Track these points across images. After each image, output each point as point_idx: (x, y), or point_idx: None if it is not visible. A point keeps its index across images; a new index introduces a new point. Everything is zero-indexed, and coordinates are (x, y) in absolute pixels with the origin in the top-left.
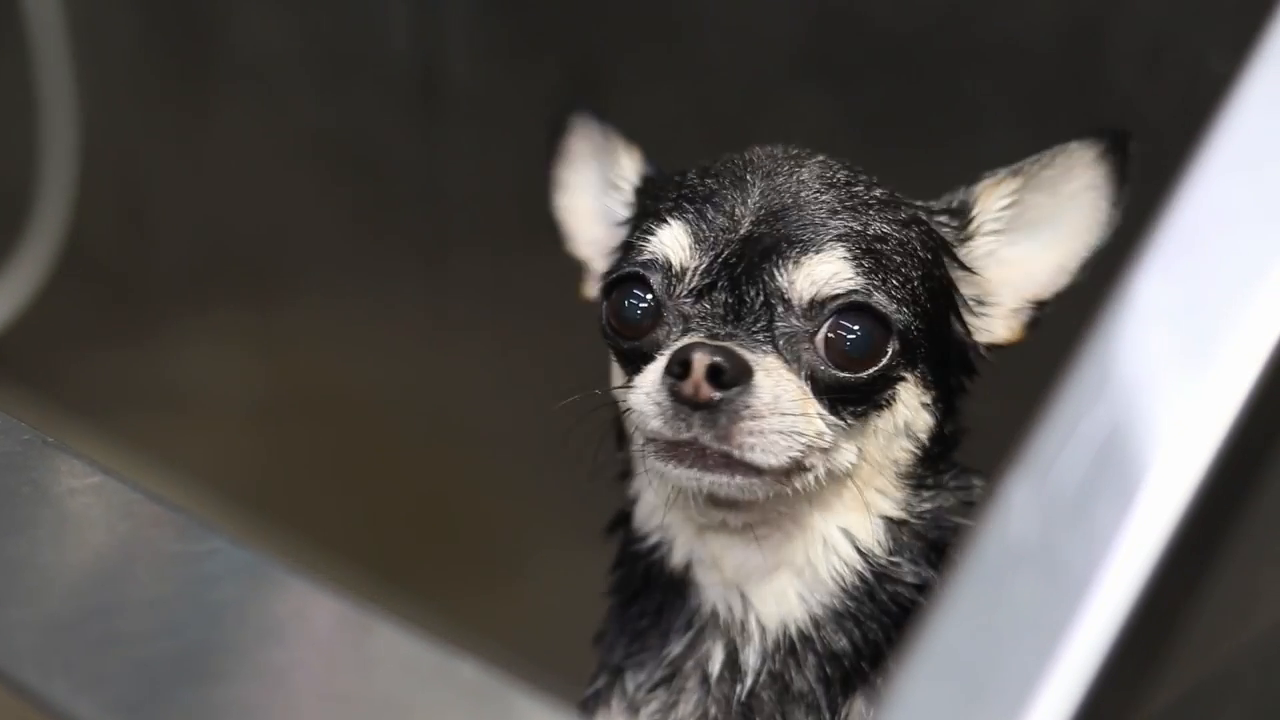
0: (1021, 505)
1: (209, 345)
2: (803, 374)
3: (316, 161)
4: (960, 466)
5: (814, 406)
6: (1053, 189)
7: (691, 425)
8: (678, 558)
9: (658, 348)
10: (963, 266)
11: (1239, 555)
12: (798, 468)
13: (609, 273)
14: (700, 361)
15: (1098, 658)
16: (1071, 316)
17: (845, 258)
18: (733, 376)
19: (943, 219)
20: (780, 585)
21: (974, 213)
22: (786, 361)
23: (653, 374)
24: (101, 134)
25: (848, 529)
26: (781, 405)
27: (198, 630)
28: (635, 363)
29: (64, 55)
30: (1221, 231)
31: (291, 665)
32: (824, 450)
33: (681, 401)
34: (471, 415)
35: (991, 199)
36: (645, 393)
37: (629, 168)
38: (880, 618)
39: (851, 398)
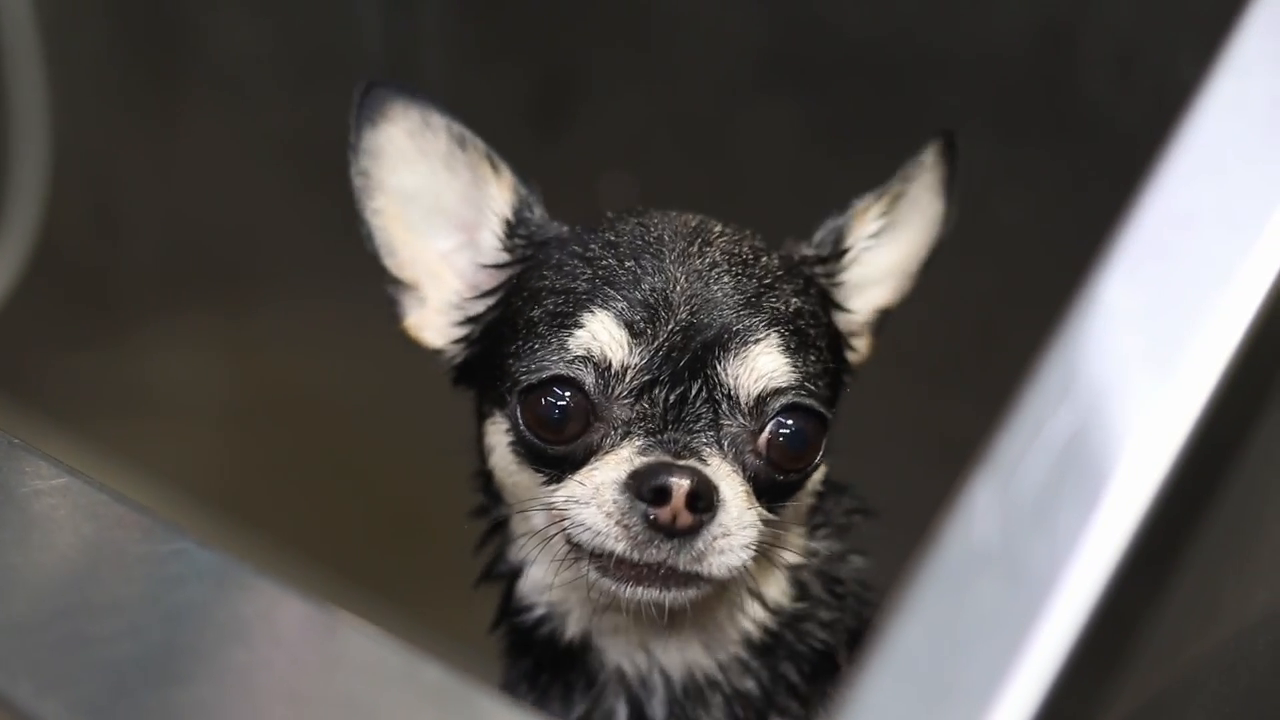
0: (984, 508)
1: (179, 348)
2: (746, 476)
3: (288, 164)
4: (832, 485)
5: (756, 508)
6: (913, 201)
7: (663, 549)
8: (573, 630)
9: (591, 453)
10: (842, 309)
11: (1201, 561)
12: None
13: (528, 372)
14: (679, 489)
15: (1059, 661)
16: (1036, 320)
17: (780, 347)
18: (708, 502)
19: (819, 268)
20: (686, 642)
21: (846, 245)
22: (732, 465)
23: (605, 494)
24: (73, 136)
25: (756, 590)
26: (742, 517)
27: (163, 631)
28: (558, 466)
29: (35, 57)
30: (1185, 236)
31: (256, 666)
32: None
33: (656, 529)
34: (440, 420)
35: (864, 225)
36: (603, 512)
37: (499, 193)
38: (791, 658)
39: (787, 494)
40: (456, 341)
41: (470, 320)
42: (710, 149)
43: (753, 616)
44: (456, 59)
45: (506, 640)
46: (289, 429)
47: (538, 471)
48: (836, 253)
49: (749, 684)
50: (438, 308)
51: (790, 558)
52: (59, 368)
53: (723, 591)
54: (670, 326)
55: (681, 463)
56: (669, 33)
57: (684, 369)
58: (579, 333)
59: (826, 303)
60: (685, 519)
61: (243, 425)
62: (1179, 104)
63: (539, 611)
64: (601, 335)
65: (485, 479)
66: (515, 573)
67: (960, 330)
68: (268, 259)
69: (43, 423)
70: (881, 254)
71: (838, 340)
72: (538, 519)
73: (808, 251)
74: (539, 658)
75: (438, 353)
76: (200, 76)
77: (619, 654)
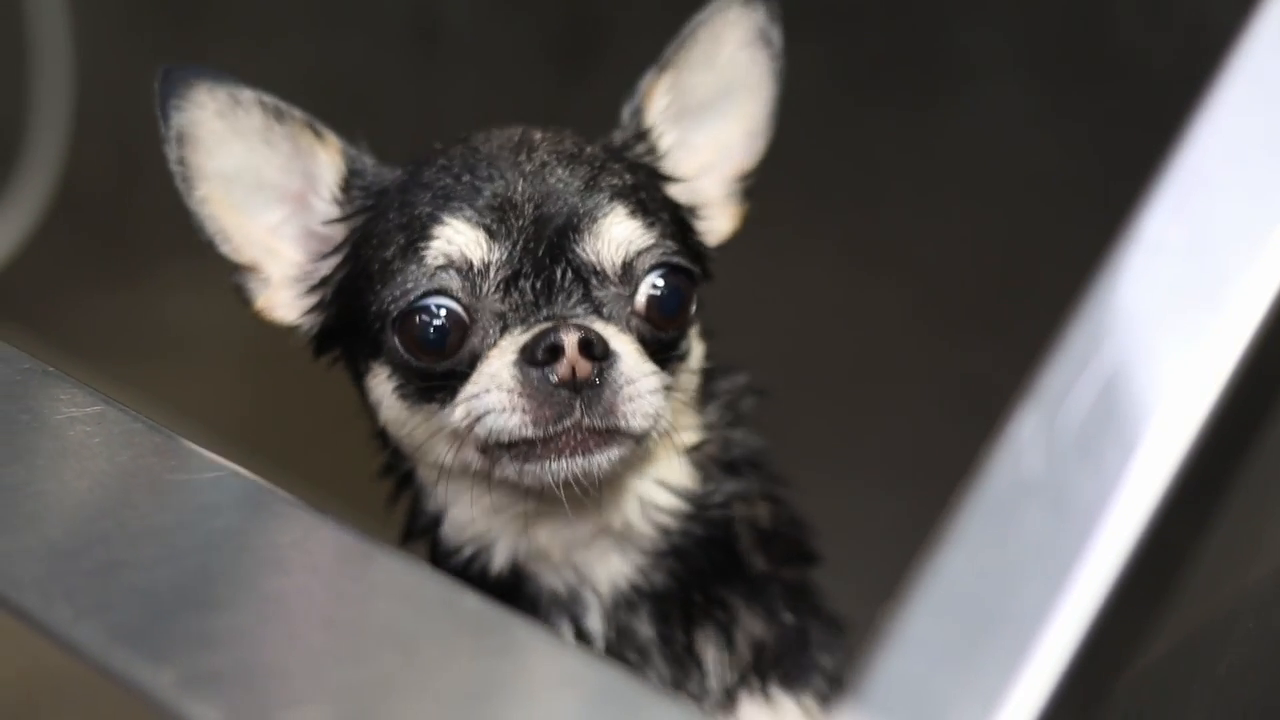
0: (1030, 440)
1: (201, 288)
2: (634, 338)
3: (311, 104)
4: (717, 364)
5: (651, 366)
6: (709, 63)
7: (574, 409)
8: (501, 561)
9: (477, 358)
10: (672, 180)
11: (1245, 496)
12: (653, 428)
13: (395, 301)
14: (570, 340)
15: (1105, 593)
16: (1064, 263)
17: (628, 214)
18: (602, 347)
19: (638, 147)
20: (604, 548)
21: (647, 124)
22: (618, 327)
23: (501, 376)
24: (95, 76)
25: (661, 479)
26: (641, 367)
27: (200, 558)
28: (448, 384)
29: None
30: (1230, 171)
31: (294, 593)
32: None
33: (561, 387)
34: None
35: (654, 102)
36: (504, 390)
37: (326, 157)
38: (701, 544)
39: (668, 354)
40: (309, 312)
41: (320, 285)
42: None
43: (663, 505)
44: (482, 2)
45: None
46: (311, 368)
47: (431, 401)
48: (640, 132)
49: (667, 580)
50: (281, 283)
51: (688, 436)
52: (81, 306)
53: (637, 465)
54: (520, 222)
55: (569, 321)
56: None
57: (544, 256)
58: (434, 244)
59: (655, 177)
60: (584, 367)
61: (264, 364)
62: (1213, 43)
63: (467, 552)
64: (456, 239)
65: (382, 437)
66: (436, 522)
67: (985, 275)
68: None
69: (63, 361)
70: (717, 123)
71: (680, 211)
72: (446, 453)
73: (618, 136)
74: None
75: (294, 329)
76: (224, 15)
77: (550, 577)
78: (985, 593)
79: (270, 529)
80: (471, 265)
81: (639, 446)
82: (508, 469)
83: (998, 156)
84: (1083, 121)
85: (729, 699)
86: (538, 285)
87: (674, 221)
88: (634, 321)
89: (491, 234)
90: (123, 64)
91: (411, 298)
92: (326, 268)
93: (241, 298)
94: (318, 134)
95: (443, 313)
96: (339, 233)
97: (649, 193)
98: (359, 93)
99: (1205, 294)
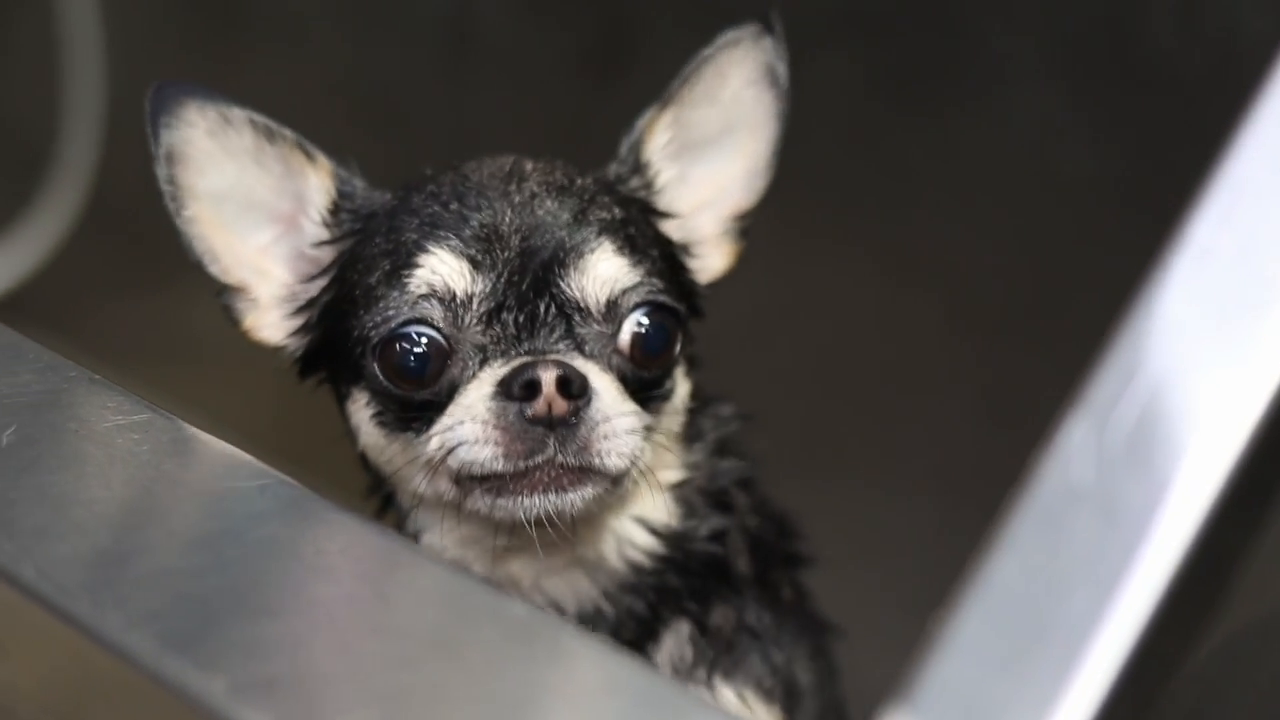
0: (1080, 447)
1: None
2: (613, 376)
3: (345, 112)
4: (703, 399)
5: (631, 404)
6: (712, 99)
7: (547, 446)
8: None
9: (455, 389)
10: (665, 216)
11: None
12: (630, 468)
13: (376, 327)
14: (548, 377)
15: (1156, 598)
16: (1102, 272)
17: (615, 250)
18: (580, 385)
19: (631, 182)
20: (575, 578)
21: (645, 159)
22: (598, 365)
23: (477, 408)
24: (127, 83)
25: (640, 516)
26: (619, 406)
27: (250, 566)
28: (425, 413)
29: (90, 3)
30: (1278, 179)
31: (343, 600)
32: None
33: (535, 423)
34: None
35: (654, 138)
36: (479, 422)
37: (316, 178)
38: (678, 572)
39: (651, 393)
40: (295, 333)
41: (306, 307)
42: None
43: (639, 544)
44: (514, 7)
45: None
46: None
47: (408, 430)
48: (637, 167)
49: (639, 604)
50: (269, 304)
51: (671, 475)
52: (112, 313)
53: (614, 503)
54: (506, 254)
55: (549, 358)
56: None
57: (528, 290)
58: (417, 272)
59: (648, 212)
60: (560, 405)
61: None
62: (1246, 51)
63: None
64: (440, 268)
65: (364, 460)
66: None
67: (1017, 283)
68: None
69: (95, 367)
70: (717, 160)
71: (671, 248)
72: (421, 481)
73: (614, 169)
74: None
75: (279, 349)
76: (257, 23)
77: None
78: (1036, 599)
79: (318, 536)
80: (454, 296)
81: (615, 487)
82: (479, 502)
83: (1031, 164)
84: (1115, 128)
85: None
86: (520, 319)
87: (664, 258)
88: (615, 360)
89: (476, 265)
90: (154, 72)
91: (393, 325)
92: (314, 290)
93: (229, 317)
94: (308, 155)
95: (424, 341)
96: (327, 255)
97: (639, 228)
98: (391, 99)
99: (1254, 301)
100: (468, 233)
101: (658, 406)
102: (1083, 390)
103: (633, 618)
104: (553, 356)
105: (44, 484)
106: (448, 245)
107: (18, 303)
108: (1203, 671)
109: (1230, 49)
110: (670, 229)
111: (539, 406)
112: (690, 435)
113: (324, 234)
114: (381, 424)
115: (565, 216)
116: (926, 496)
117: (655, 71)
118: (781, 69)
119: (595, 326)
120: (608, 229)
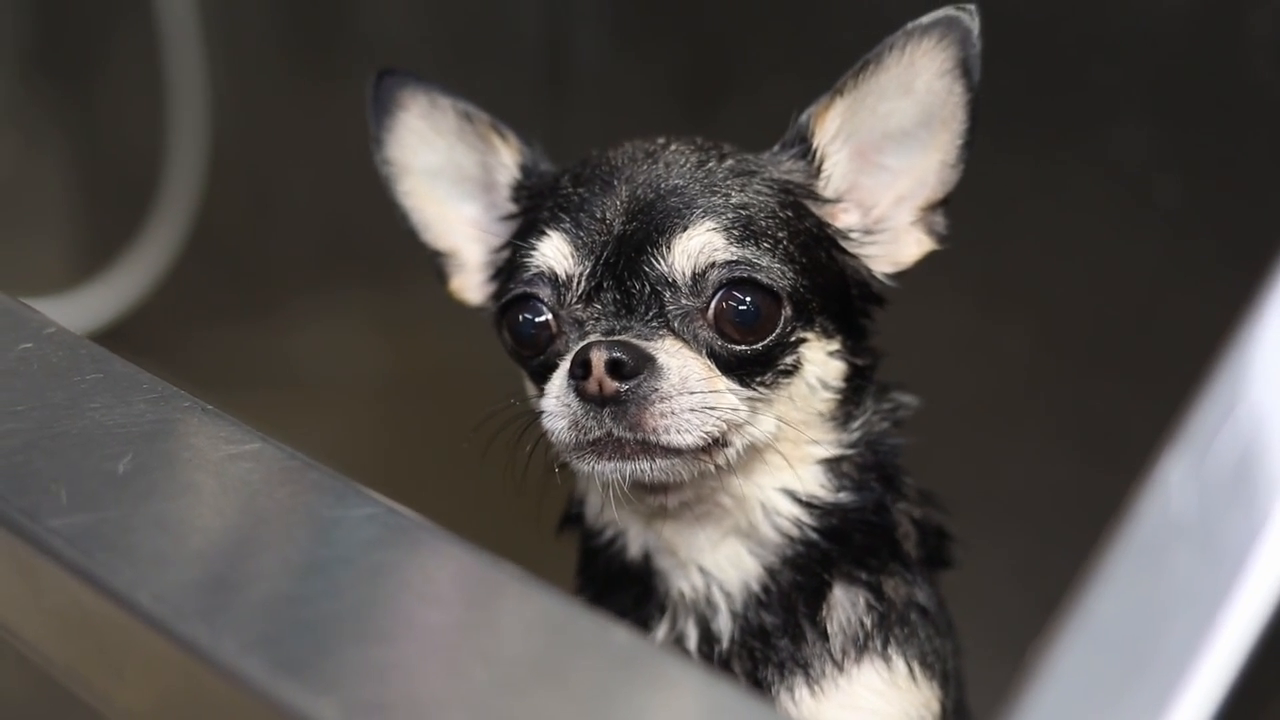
0: (1180, 482)
1: (332, 324)
2: (703, 351)
3: None
4: (879, 385)
5: (722, 382)
6: (905, 90)
7: (602, 422)
8: (634, 550)
9: (560, 357)
10: (826, 201)
11: None
12: (716, 444)
13: (498, 295)
14: (598, 358)
15: (1256, 633)
16: (1195, 305)
17: (715, 229)
18: (634, 366)
19: (790, 165)
20: (732, 552)
21: (814, 144)
22: (686, 342)
23: (558, 381)
24: (231, 115)
25: (786, 487)
26: (689, 384)
27: (361, 592)
28: (544, 375)
29: (195, 37)
30: None
31: (453, 627)
32: (740, 424)
33: (588, 400)
34: None
35: (826, 124)
36: (555, 398)
37: (507, 157)
38: (839, 542)
39: (756, 369)
40: (492, 296)
41: (497, 273)
42: None
43: (785, 514)
44: (612, 38)
45: (584, 574)
46: (440, 405)
47: (535, 386)
48: (801, 151)
49: (799, 577)
50: (474, 268)
51: (818, 450)
52: (214, 343)
53: (756, 473)
54: (607, 237)
55: (610, 339)
56: (826, 10)
57: (623, 270)
58: (534, 254)
59: (803, 196)
60: (609, 385)
61: (394, 401)
62: None
63: (607, 534)
64: (549, 252)
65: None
66: (582, 504)
67: (1112, 314)
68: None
69: (197, 395)
70: (913, 151)
71: (826, 237)
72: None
73: (770, 153)
74: (616, 590)
75: (480, 309)
76: (356, 56)
77: (678, 578)
78: (1136, 632)
79: (428, 564)
80: (558, 276)
81: (702, 460)
82: (575, 462)
83: (1127, 195)
84: (1211, 161)
85: (844, 658)
86: (616, 296)
87: (797, 244)
88: (703, 334)
89: (578, 247)
90: (257, 103)
91: (511, 295)
92: (502, 259)
93: (439, 277)
94: (501, 135)
95: (531, 315)
96: (509, 227)
97: (767, 212)
98: None
99: None
100: (582, 216)
101: (774, 381)
102: (1182, 424)
103: (799, 589)
104: (618, 336)
105: (159, 512)
106: (561, 229)
107: (122, 332)
108: None
109: None
110: (836, 215)
111: (589, 386)
112: (850, 414)
113: (510, 208)
114: (531, 376)
115: (674, 200)
116: (1018, 526)
117: (749, 104)
118: (976, 61)
119: (684, 301)
120: (713, 211)
